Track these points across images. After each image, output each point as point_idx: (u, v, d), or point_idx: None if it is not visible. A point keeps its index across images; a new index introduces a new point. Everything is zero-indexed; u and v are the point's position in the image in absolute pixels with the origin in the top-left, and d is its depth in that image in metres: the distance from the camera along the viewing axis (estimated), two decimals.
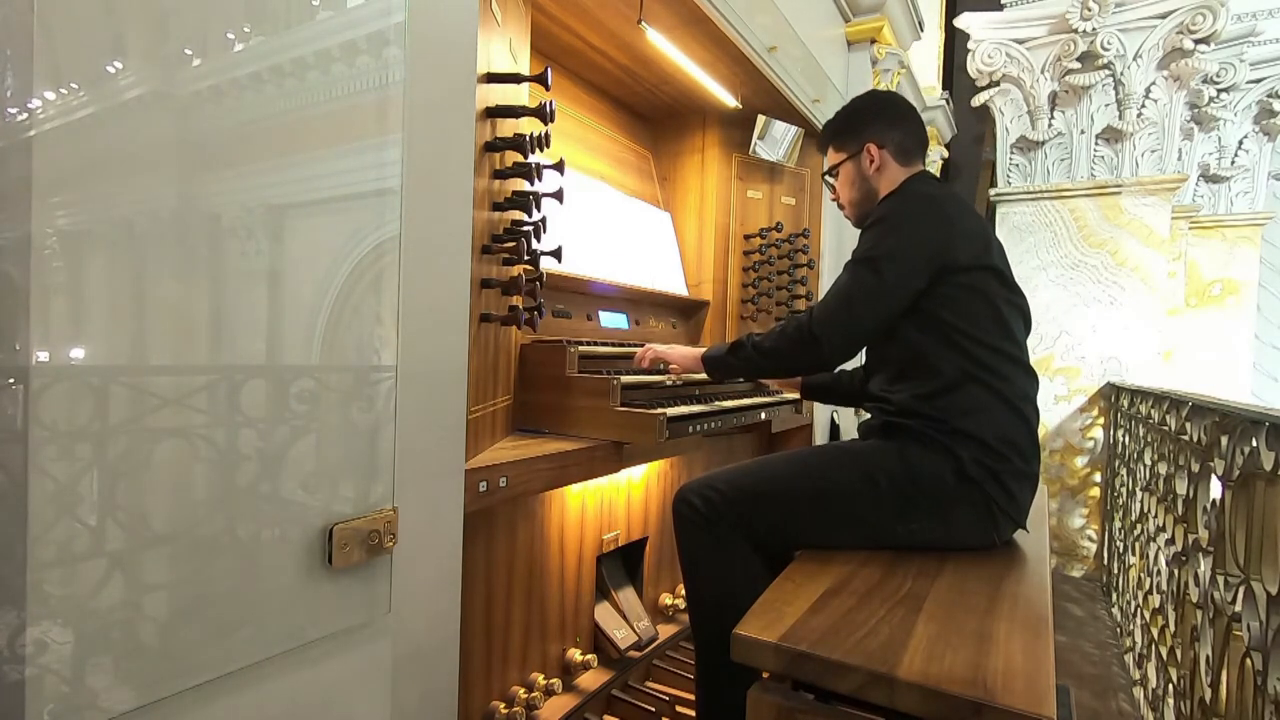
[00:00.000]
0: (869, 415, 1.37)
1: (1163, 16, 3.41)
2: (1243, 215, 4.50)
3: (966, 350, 1.20)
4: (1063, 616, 2.93)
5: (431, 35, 0.89)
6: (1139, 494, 2.56)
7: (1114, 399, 3.42)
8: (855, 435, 1.40)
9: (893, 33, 2.78)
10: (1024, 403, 1.22)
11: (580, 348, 1.42)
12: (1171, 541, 1.91)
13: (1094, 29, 3.49)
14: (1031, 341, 1.93)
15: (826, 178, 1.51)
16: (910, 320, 1.25)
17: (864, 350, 1.39)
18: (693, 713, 1.61)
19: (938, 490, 1.17)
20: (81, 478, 0.57)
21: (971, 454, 1.17)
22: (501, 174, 1.22)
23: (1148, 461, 2.42)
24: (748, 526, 1.23)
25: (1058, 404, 3.64)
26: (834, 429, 2.71)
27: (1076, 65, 3.61)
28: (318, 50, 0.75)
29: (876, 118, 1.42)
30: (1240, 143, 4.52)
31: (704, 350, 1.49)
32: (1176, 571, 1.82)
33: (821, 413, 2.60)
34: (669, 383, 1.61)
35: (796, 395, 1.87)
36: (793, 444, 2.48)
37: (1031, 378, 1.26)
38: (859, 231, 1.39)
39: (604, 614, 1.74)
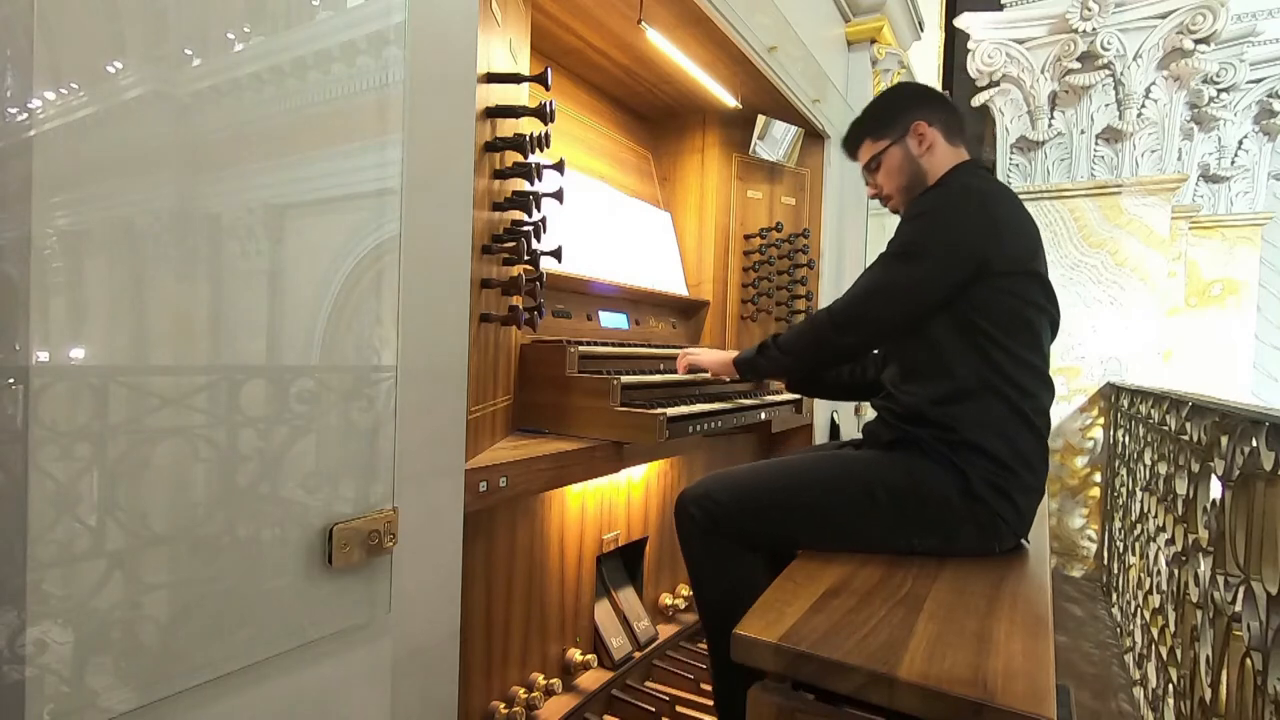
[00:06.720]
0: (874, 414, 1.36)
1: (1163, 16, 3.41)
2: (1243, 215, 4.49)
3: (990, 356, 1.17)
4: (1063, 616, 2.93)
5: (431, 35, 0.89)
6: (1139, 494, 2.56)
7: (1114, 399, 3.42)
8: (856, 434, 1.40)
9: (893, 33, 2.78)
10: (1039, 416, 1.20)
11: (580, 348, 1.42)
12: (1171, 541, 1.91)
13: (1094, 29, 3.49)
14: None
15: (865, 173, 1.44)
16: (937, 317, 1.20)
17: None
18: (693, 713, 1.62)
19: (942, 509, 1.15)
20: (81, 478, 0.57)
21: (980, 472, 1.15)
22: (501, 174, 1.22)
23: (1148, 461, 2.42)
24: (745, 536, 1.23)
25: (1058, 404, 3.61)
26: (834, 429, 2.71)
27: (1076, 65, 3.61)
28: (317, 50, 0.75)
29: (917, 99, 1.37)
30: (1240, 143, 4.52)
31: (736, 354, 1.52)
32: (1176, 571, 1.82)
33: (821, 413, 2.60)
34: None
35: (797, 395, 1.87)
36: (793, 444, 2.48)
37: (1050, 390, 1.23)
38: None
39: (603, 618, 1.74)
